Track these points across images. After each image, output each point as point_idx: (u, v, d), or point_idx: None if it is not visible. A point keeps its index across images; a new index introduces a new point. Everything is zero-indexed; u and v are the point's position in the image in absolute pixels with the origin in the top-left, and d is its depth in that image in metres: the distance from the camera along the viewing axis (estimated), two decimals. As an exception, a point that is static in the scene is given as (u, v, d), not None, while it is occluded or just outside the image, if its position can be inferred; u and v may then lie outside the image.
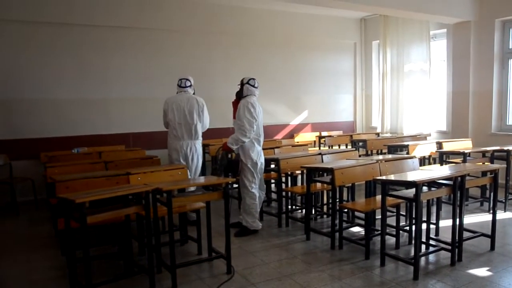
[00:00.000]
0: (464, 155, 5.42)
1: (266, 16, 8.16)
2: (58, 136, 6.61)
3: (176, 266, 3.45)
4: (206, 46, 7.72)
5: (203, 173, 7.00)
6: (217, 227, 4.49)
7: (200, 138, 5.25)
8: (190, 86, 5.25)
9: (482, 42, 7.09)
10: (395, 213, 4.46)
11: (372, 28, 9.22)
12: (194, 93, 5.29)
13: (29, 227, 5.33)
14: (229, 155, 4.84)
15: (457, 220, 3.80)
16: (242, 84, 4.78)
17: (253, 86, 4.74)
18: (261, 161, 4.79)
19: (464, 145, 6.28)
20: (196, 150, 5.19)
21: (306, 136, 8.67)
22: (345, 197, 5.29)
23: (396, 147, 6.35)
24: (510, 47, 6.95)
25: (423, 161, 6.31)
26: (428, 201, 4.21)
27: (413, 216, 4.15)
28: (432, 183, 3.86)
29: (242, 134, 4.56)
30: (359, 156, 5.72)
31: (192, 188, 4.55)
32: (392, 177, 3.97)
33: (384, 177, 3.91)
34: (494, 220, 4.12)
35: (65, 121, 6.67)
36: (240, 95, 4.79)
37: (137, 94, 7.14)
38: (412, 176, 3.75)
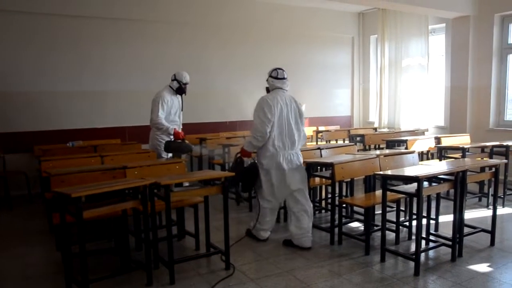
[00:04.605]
0: (463, 150, 5.39)
1: (263, 9, 8.06)
2: (52, 129, 6.51)
3: (174, 261, 3.39)
4: (203, 39, 7.62)
5: (199, 167, 6.97)
6: (214, 222, 4.43)
7: (153, 128, 5.30)
8: (172, 80, 5.36)
9: (481, 37, 7.05)
10: (394, 209, 4.42)
11: (370, 22, 9.15)
12: (175, 88, 5.35)
13: (23, 221, 5.24)
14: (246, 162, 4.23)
15: (458, 215, 3.77)
16: (267, 79, 4.23)
17: (276, 77, 4.15)
18: (275, 167, 4.02)
19: (463, 140, 6.27)
20: (150, 139, 5.43)
21: (303, 131, 8.60)
22: (343, 192, 5.25)
23: (395, 142, 6.32)
24: (509, 42, 6.93)
25: (421, 156, 6.28)
26: (428, 196, 4.18)
27: (413, 211, 4.13)
28: (432, 178, 3.83)
29: (253, 137, 4.02)
30: (357, 151, 5.68)
31: (186, 183, 4.49)
32: (392, 172, 3.94)
33: (384, 172, 3.86)
34: (494, 216, 4.10)
35: (60, 114, 6.57)
36: (268, 92, 4.23)
37: (133, 87, 7.04)
38: (414, 171, 3.70)
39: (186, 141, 5.20)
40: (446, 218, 4.58)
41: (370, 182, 4.46)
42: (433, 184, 3.82)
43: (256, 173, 4.11)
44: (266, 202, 4.15)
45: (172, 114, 5.34)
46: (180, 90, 5.36)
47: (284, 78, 4.16)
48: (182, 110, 5.49)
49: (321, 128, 8.62)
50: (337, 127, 8.98)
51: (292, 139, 4.07)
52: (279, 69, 4.17)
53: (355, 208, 4.95)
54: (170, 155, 5.16)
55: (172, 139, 5.03)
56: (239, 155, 4.16)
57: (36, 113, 6.41)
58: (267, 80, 4.20)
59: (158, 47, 7.20)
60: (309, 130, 8.57)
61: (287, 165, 4.03)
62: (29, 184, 6.07)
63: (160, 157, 5.27)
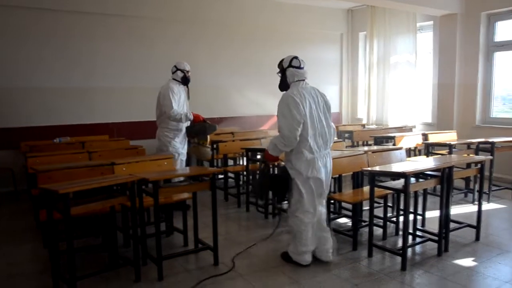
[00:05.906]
0: (450, 147, 5.46)
1: (252, 5, 8.04)
2: (39, 125, 6.43)
3: (162, 258, 3.39)
4: (192, 35, 7.58)
5: (187, 163, 6.94)
6: (203, 218, 4.42)
7: (161, 125, 5.13)
8: (174, 72, 5.18)
9: (468, 35, 7.13)
10: (382, 205, 4.47)
11: (359, 19, 9.18)
12: (180, 78, 5.16)
13: (9, 219, 5.18)
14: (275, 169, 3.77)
15: (444, 211, 3.82)
16: (283, 70, 3.58)
17: (299, 67, 3.53)
18: (315, 174, 3.45)
19: (449, 137, 6.34)
20: (157, 138, 5.20)
21: (292, 127, 8.62)
22: (331, 188, 5.27)
23: (383, 139, 6.37)
24: (495, 40, 7.01)
25: (408, 153, 6.34)
26: (415, 192, 4.23)
27: (401, 207, 4.17)
28: (419, 174, 3.87)
29: (280, 140, 3.39)
30: (346, 147, 5.72)
31: (181, 178, 4.49)
32: (379, 168, 3.97)
33: (372, 168, 3.90)
34: (479, 211, 4.16)
35: (46, 110, 6.48)
36: (284, 87, 3.60)
37: (121, 83, 6.97)
38: (401, 167, 3.74)
39: (208, 122, 5.11)
40: (433, 214, 4.64)
41: (358, 178, 4.48)
42: (420, 180, 3.86)
43: (287, 177, 3.54)
44: (308, 215, 3.50)
45: (180, 107, 5.11)
46: (185, 79, 5.18)
47: (304, 67, 3.59)
48: (189, 98, 5.31)
49: (310, 125, 8.63)
50: (326, 124, 9.01)
51: (325, 138, 3.54)
52: (297, 57, 3.58)
53: (343, 204, 4.99)
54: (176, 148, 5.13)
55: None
56: (263, 165, 3.63)
57: (22, 109, 6.32)
58: (283, 72, 3.59)
59: (148, 43, 7.14)
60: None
61: (324, 169, 3.53)
62: (15, 180, 5.99)
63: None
